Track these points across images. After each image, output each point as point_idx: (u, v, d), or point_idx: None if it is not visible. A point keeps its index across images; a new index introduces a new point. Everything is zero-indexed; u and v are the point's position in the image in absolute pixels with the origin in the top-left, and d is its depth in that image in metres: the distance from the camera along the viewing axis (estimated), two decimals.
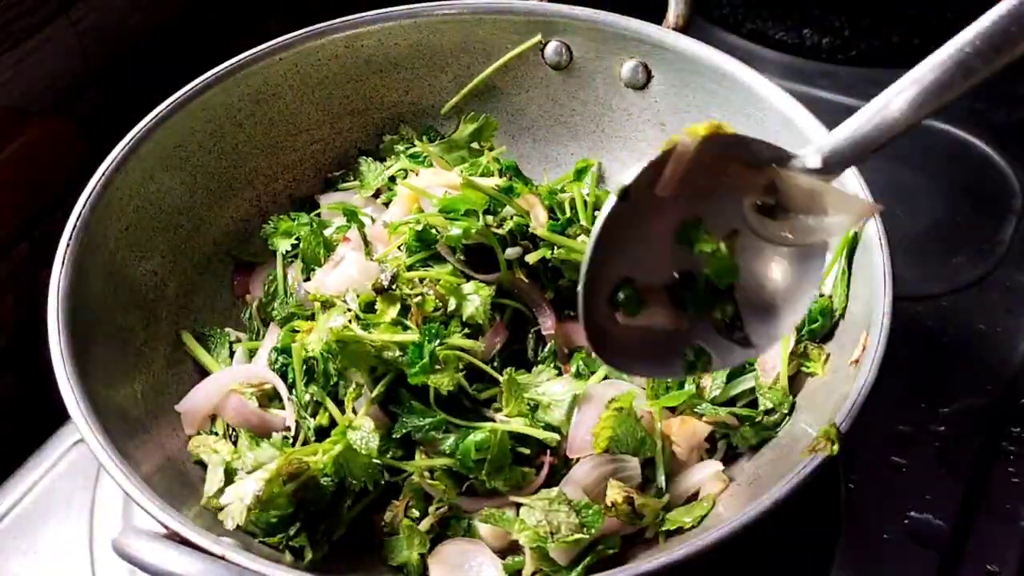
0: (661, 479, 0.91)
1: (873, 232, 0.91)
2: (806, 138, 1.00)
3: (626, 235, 0.66)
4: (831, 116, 1.01)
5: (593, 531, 0.84)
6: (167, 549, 0.72)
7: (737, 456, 0.95)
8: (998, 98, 1.42)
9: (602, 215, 0.65)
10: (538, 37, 1.16)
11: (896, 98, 0.63)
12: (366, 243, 1.02)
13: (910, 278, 1.19)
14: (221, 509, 0.89)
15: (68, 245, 0.92)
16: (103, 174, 0.97)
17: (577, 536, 0.84)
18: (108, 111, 1.26)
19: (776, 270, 0.69)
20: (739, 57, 1.06)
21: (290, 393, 0.96)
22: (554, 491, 0.87)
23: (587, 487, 0.88)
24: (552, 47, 1.16)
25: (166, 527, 0.75)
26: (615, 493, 0.87)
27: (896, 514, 1.03)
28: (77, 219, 0.94)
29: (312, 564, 0.87)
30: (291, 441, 0.94)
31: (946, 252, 1.27)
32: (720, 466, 0.92)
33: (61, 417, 0.92)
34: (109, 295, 0.96)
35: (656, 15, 1.13)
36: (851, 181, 0.95)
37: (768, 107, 1.03)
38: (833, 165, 0.64)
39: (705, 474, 0.91)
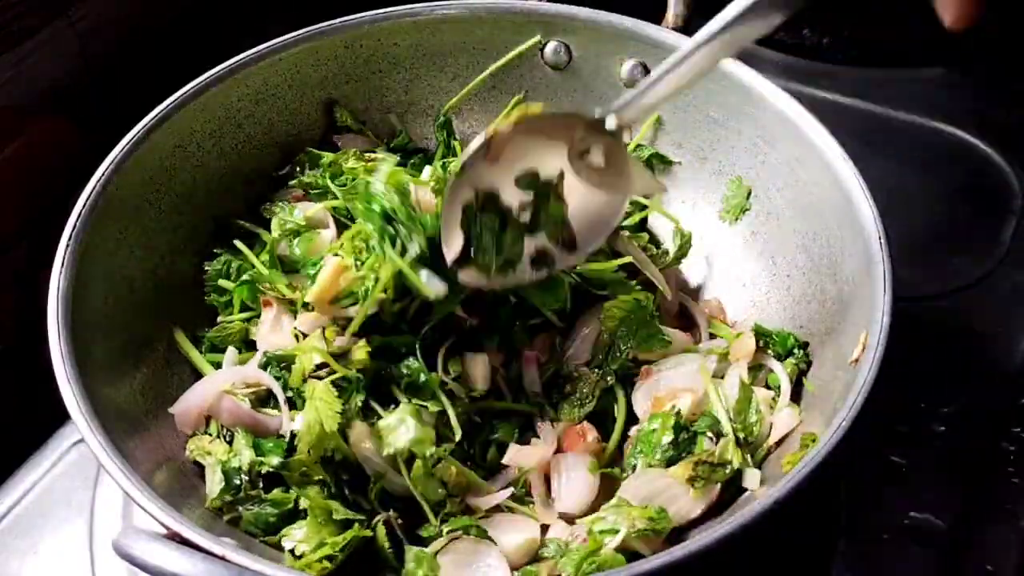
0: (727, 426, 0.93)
1: (873, 232, 0.91)
2: (805, 138, 1.00)
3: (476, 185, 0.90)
4: (831, 116, 1.01)
5: (667, 528, 0.86)
6: (167, 549, 0.72)
7: None
8: (998, 98, 1.42)
9: (446, 191, 0.89)
10: (538, 37, 1.16)
11: (676, 67, 0.83)
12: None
13: (910, 278, 1.19)
14: (221, 509, 0.90)
15: (68, 245, 0.92)
16: (103, 174, 0.97)
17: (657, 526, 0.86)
18: (108, 111, 1.26)
19: (592, 202, 0.93)
20: (739, 57, 1.06)
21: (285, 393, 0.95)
22: (613, 501, 0.88)
23: (643, 498, 0.89)
24: (552, 47, 1.16)
25: (166, 527, 0.75)
26: (684, 471, 0.88)
27: (896, 514, 1.03)
28: (77, 219, 0.94)
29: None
30: (286, 443, 0.93)
31: (946, 252, 1.27)
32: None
33: (61, 417, 0.91)
34: (109, 295, 0.96)
35: (656, 15, 1.13)
36: (852, 182, 0.95)
37: (768, 107, 1.04)
38: (625, 125, 0.88)
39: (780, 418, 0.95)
